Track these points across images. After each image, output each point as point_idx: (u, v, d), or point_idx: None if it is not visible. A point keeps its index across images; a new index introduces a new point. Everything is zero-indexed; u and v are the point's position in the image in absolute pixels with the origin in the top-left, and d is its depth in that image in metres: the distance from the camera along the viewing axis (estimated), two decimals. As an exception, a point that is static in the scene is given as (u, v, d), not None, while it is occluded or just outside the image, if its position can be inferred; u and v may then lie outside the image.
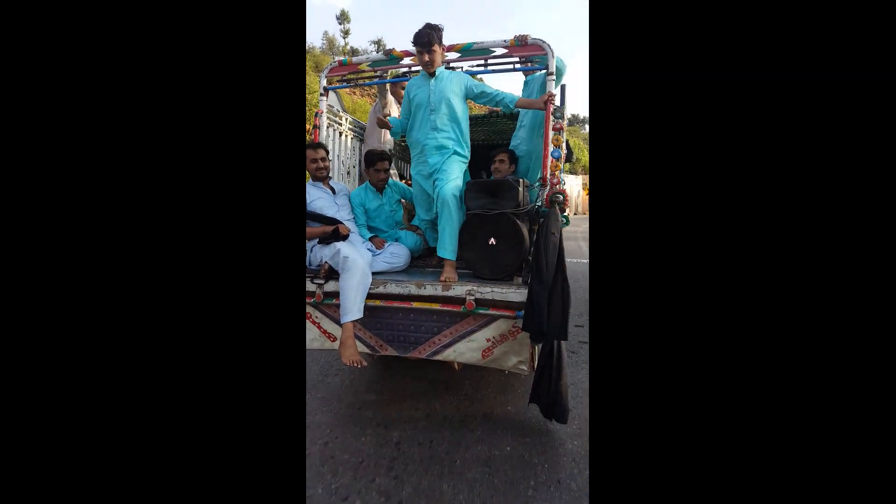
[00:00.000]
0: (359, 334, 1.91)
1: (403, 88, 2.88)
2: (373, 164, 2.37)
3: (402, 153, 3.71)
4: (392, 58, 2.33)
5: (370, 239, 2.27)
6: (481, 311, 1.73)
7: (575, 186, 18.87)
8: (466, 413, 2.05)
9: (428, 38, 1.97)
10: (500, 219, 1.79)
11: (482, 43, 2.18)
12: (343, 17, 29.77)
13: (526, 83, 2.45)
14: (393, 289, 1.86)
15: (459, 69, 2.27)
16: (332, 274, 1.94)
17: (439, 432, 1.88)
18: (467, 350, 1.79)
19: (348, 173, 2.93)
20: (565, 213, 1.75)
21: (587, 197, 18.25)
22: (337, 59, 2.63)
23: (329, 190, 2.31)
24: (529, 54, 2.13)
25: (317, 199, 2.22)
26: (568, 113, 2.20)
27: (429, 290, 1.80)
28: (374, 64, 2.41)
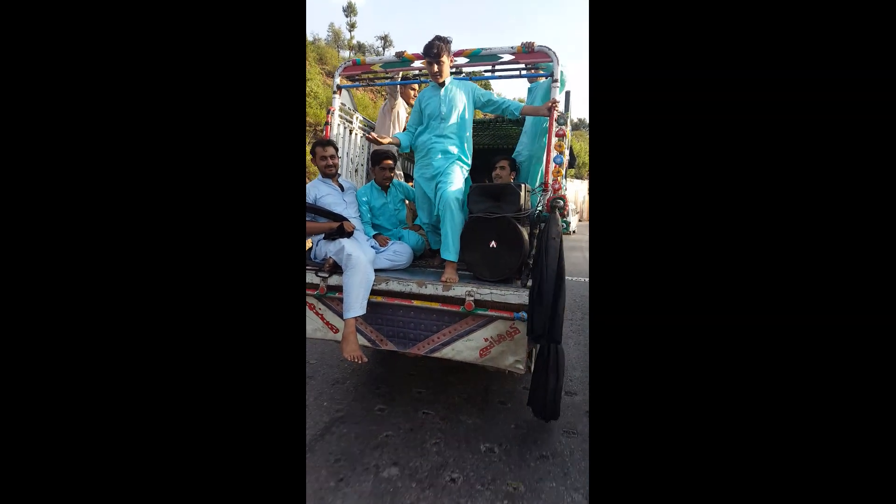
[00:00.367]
0: (360, 328, 1.96)
1: (413, 90, 2.93)
2: (378, 162, 2.43)
3: (408, 154, 3.75)
4: (404, 60, 2.39)
5: (374, 236, 2.32)
6: (480, 312, 1.77)
7: (581, 191, 18.70)
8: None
9: (437, 49, 2.06)
10: (502, 222, 1.84)
11: (490, 49, 2.25)
12: (350, 10, 28.62)
13: (530, 90, 2.50)
14: (395, 286, 1.91)
15: (468, 76, 2.32)
16: (336, 269, 1.99)
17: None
18: (465, 349, 1.84)
19: (356, 171, 2.98)
20: (566, 219, 1.79)
21: (592, 202, 17.97)
22: (351, 58, 2.69)
23: (338, 187, 2.36)
24: (535, 61, 2.19)
25: (325, 195, 2.28)
26: (574, 118, 2.24)
27: (430, 290, 1.85)
28: (387, 66, 2.48)
